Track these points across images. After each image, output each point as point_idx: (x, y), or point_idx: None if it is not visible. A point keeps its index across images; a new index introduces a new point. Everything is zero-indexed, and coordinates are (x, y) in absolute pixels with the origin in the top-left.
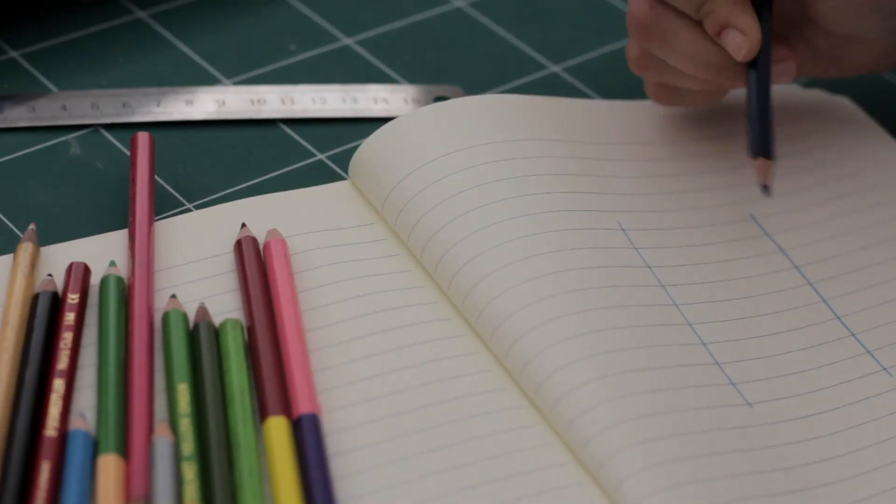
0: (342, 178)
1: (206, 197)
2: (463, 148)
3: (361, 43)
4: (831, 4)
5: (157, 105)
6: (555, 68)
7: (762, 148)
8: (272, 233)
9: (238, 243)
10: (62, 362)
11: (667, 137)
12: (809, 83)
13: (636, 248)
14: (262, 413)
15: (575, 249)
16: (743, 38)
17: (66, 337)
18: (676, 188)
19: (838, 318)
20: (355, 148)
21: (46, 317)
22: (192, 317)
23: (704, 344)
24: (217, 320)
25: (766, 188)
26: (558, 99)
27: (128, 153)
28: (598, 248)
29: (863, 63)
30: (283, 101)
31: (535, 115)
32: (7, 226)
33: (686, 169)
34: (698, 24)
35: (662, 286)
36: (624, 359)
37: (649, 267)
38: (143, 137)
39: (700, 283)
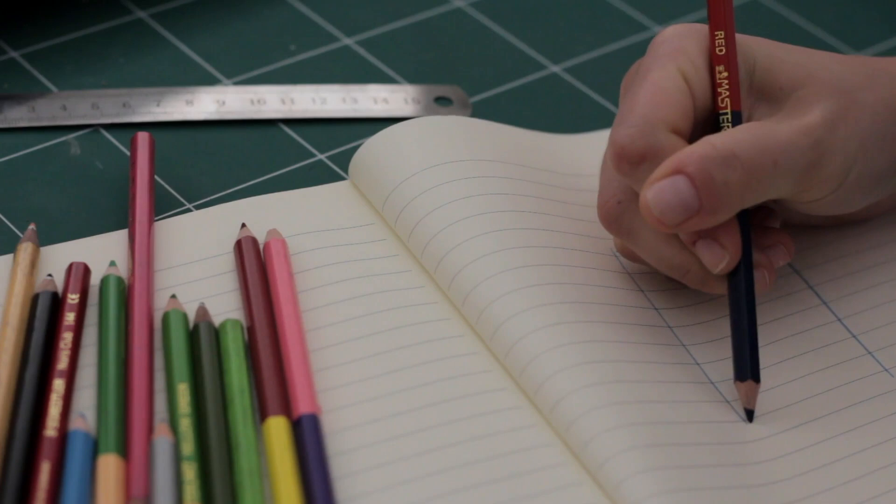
0: (342, 178)
1: (206, 197)
2: (467, 159)
3: (361, 43)
4: (819, 202)
5: (157, 105)
6: (555, 68)
7: (750, 371)
8: (272, 233)
9: (238, 243)
10: (62, 362)
11: None
12: None
13: (629, 274)
14: (262, 413)
15: (571, 267)
16: (722, 251)
17: (66, 337)
18: None
19: (839, 319)
20: (355, 148)
21: (46, 317)
22: (192, 317)
23: (699, 364)
24: (217, 320)
25: (750, 413)
26: (554, 136)
27: (128, 153)
28: (594, 269)
29: (871, 213)
30: (283, 101)
31: (534, 146)
32: (7, 226)
33: None
34: None
35: (655, 308)
36: (620, 369)
37: (642, 291)
38: (143, 137)
39: (695, 304)
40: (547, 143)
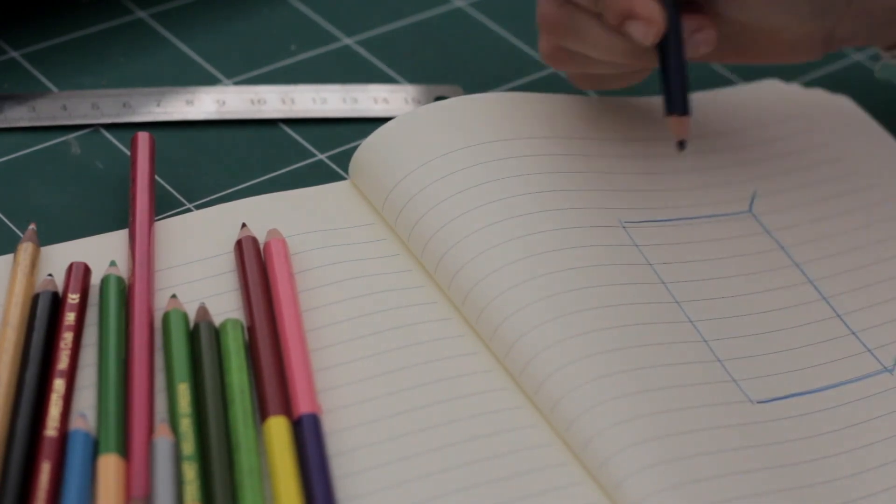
0: (342, 178)
1: (206, 197)
2: (463, 147)
3: (361, 43)
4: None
5: (157, 105)
6: None
7: (679, 105)
8: (272, 233)
9: (238, 243)
10: (62, 362)
11: (666, 133)
12: (809, 83)
13: (637, 246)
14: (262, 413)
15: (576, 248)
16: (646, 27)
17: (67, 337)
18: (676, 185)
19: (839, 316)
20: (355, 148)
21: (47, 317)
22: (192, 317)
23: (706, 341)
24: (217, 320)
25: (681, 144)
26: (556, 96)
27: (128, 153)
28: (599, 245)
29: (769, 53)
30: (283, 101)
31: (533, 112)
32: (7, 226)
33: (686, 165)
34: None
35: (664, 283)
36: (625, 357)
37: (650, 264)
38: (143, 137)
39: (701, 281)
40: (569, 106)
